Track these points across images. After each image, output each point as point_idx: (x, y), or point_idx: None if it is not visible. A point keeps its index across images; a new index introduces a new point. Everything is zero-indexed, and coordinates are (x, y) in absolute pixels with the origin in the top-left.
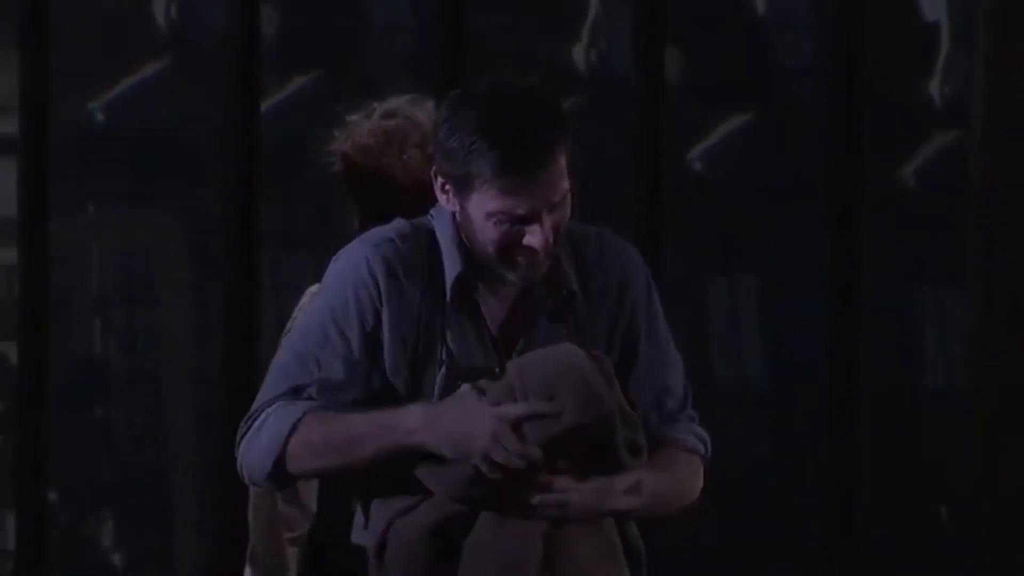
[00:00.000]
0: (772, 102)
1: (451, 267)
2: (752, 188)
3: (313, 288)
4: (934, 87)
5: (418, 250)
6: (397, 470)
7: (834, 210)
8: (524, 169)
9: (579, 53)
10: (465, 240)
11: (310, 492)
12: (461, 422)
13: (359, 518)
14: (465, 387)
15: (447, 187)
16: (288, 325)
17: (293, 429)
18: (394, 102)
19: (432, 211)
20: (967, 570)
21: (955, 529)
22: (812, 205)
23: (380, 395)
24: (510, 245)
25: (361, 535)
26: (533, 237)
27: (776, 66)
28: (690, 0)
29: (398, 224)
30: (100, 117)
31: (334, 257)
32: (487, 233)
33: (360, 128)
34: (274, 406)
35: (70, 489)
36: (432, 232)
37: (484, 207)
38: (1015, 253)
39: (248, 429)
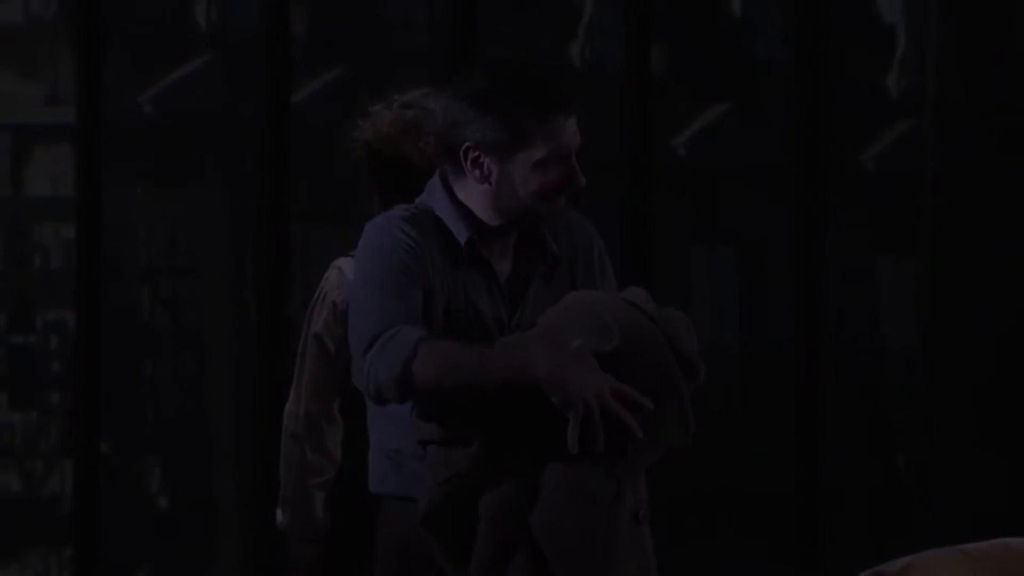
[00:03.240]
0: (747, 94)
1: (459, 234)
2: (729, 170)
3: (340, 261)
4: (891, 81)
5: (426, 224)
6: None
7: (802, 189)
8: (564, 112)
9: (575, 50)
10: (479, 209)
11: (335, 442)
12: (578, 375)
13: (377, 470)
14: (578, 344)
15: (482, 159)
16: (317, 293)
17: (420, 340)
18: (411, 95)
19: (421, 197)
20: (919, 509)
21: (909, 474)
22: (783, 185)
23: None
24: (553, 189)
25: (377, 486)
26: (577, 176)
27: (751, 62)
28: (675, 3)
29: (402, 208)
30: (148, 108)
31: (360, 247)
32: (531, 185)
33: (381, 118)
34: (395, 327)
35: (121, 439)
36: (431, 210)
37: (532, 158)
38: (961, 228)
39: (371, 348)
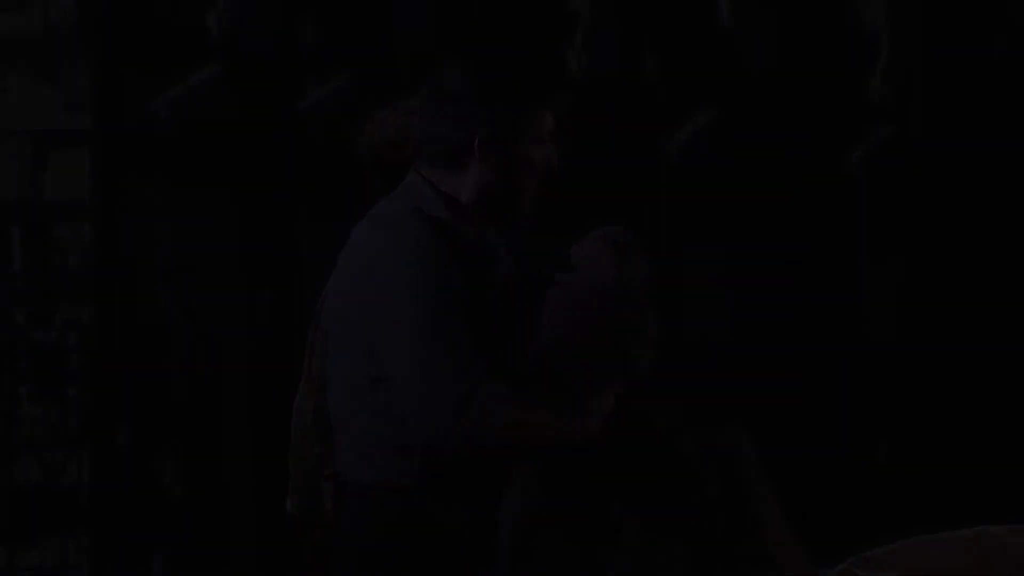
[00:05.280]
0: (737, 98)
1: (467, 232)
2: (719, 172)
3: None
4: (875, 87)
5: (436, 230)
6: None
7: (789, 191)
8: (555, 84)
9: (572, 55)
10: (468, 202)
11: None
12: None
13: (346, 455)
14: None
15: (492, 151)
16: (325, 291)
17: (501, 409)
18: (415, 100)
19: (396, 201)
20: (900, 497)
21: (891, 464)
22: (770, 186)
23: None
24: (542, 172)
25: (372, 474)
26: (556, 158)
27: (740, 67)
28: (668, 11)
29: (399, 207)
30: (163, 114)
31: (388, 241)
32: (531, 170)
33: (386, 122)
34: (480, 389)
35: (137, 431)
36: (419, 208)
37: (542, 131)
38: (942, 229)
39: (460, 408)
